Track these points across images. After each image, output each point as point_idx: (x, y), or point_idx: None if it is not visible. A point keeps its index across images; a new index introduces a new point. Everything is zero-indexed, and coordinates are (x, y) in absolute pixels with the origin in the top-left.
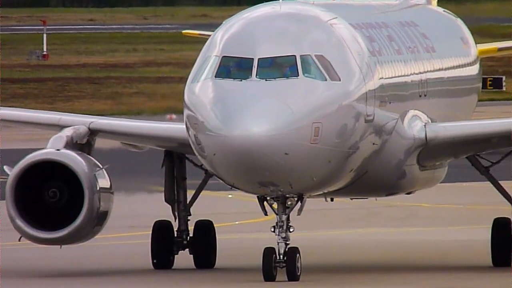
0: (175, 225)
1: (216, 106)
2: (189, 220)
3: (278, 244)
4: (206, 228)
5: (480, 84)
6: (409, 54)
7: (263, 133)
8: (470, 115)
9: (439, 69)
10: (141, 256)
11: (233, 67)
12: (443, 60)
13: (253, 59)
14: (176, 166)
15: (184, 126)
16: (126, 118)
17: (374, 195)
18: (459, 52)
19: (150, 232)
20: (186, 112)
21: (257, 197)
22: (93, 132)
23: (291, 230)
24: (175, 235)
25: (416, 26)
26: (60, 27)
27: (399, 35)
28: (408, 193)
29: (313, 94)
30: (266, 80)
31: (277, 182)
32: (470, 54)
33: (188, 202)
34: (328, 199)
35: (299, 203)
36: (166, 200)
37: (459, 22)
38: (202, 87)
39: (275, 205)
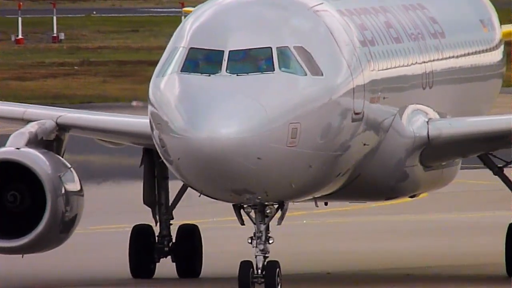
0: (156, 230)
1: (181, 105)
2: (171, 224)
3: (256, 257)
4: (190, 233)
5: (504, 70)
6: (411, 42)
7: (232, 136)
8: (490, 104)
9: (449, 57)
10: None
11: (202, 60)
12: (454, 47)
13: (223, 51)
14: (157, 164)
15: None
16: (100, 111)
17: (371, 200)
18: (477, 37)
19: (128, 237)
20: (150, 109)
21: (233, 205)
22: (62, 127)
23: (270, 241)
24: (156, 241)
25: (423, 9)
26: None
27: (400, 21)
28: (411, 197)
29: (291, 91)
30: (237, 75)
31: (252, 190)
32: (491, 38)
33: (170, 204)
34: (321, 203)
35: (279, 211)
36: (145, 202)
37: (483, 0)
38: (167, 83)
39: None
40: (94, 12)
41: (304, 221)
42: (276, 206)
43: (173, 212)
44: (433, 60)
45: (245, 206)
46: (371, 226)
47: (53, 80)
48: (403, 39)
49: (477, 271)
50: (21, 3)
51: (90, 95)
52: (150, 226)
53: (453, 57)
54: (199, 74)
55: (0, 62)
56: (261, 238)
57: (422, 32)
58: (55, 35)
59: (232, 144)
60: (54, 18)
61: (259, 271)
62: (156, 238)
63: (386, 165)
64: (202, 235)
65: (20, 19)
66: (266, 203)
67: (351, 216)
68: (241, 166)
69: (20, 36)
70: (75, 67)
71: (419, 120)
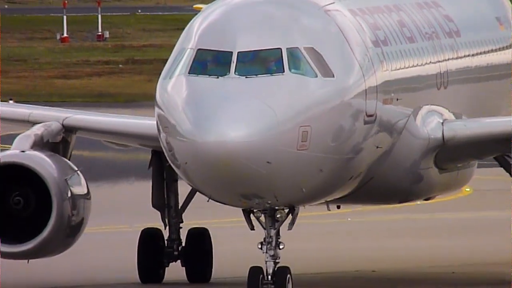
0: (166, 234)
1: (189, 107)
2: (181, 227)
3: (266, 263)
4: (200, 237)
5: None
6: (425, 41)
7: (241, 139)
8: (507, 104)
9: (464, 56)
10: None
11: (210, 62)
12: (470, 45)
13: (231, 52)
14: (166, 166)
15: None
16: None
17: (385, 203)
18: (493, 35)
19: (137, 241)
20: (157, 112)
21: (242, 209)
22: (68, 129)
23: (280, 247)
24: (166, 245)
25: (438, 7)
26: None
27: (414, 20)
28: (426, 199)
29: (301, 93)
30: (246, 77)
31: (261, 194)
32: (508, 35)
33: (180, 207)
34: (334, 206)
35: (290, 215)
36: (154, 206)
37: None
38: (174, 85)
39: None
40: (139, 11)
41: (349, 219)
42: (286, 210)
43: (183, 215)
44: (448, 60)
45: (254, 210)
46: (416, 224)
47: (98, 79)
48: (417, 38)
49: None
50: (66, 2)
51: (134, 94)
52: (159, 230)
53: (468, 56)
54: (207, 76)
55: (46, 60)
56: (271, 243)
57: (436, 31)
58: (100, 33)
59: (241, 148)
60: (99, 16)
61: (269, 277)
62: (166, 242)
63: (400, 167)
64: (212, 238)
65: (65, 17)
66: (276, 207)
67: (396, 214)
68: (250, 170)
69: (65, 35)
70: (120, 66)
71: (433, 121)
